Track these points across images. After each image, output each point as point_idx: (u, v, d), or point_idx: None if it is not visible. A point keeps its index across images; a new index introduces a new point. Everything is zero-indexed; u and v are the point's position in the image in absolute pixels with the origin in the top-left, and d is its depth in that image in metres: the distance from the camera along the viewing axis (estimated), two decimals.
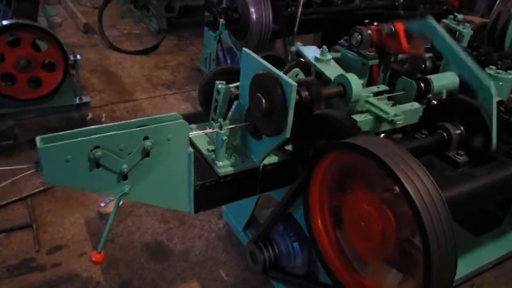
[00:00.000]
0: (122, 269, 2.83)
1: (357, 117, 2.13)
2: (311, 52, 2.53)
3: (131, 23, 7.13)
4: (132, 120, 1.72)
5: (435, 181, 2.14)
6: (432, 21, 2.32)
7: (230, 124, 1.99)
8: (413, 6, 4.95)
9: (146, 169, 1.74)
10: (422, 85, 2.43)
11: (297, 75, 2.29)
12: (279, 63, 2.51)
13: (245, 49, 1.95)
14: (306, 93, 1.86)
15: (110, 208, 3.26)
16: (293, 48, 2.52)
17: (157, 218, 3.26)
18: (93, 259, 1.83)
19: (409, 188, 1.31)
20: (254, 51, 4.15)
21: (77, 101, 3.88)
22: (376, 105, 2.16)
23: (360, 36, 2.58)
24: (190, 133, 2.17)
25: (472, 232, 3.09)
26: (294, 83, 1.68)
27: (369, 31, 2.56)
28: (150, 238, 3.09)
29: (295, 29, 4.34)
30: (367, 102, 2.17)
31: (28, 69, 3.52)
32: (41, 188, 3.38)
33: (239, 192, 2.08)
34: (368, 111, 2.16)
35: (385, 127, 2.19)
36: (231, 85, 2.08)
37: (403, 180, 1.33)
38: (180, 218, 3.26)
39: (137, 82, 5.32)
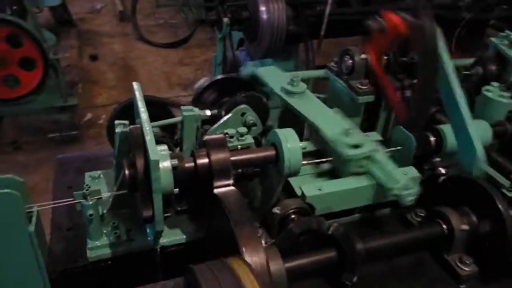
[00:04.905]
0: None
1: (349, 181, 1.43)
2: (275, 76, 1.84)
3: (170, 12, 6.69)
4: None
5: None
6: None
7: (117, 189, 1.41)
8: (482, 5, 3.95)
9: None
10: (432, 139, 1.66)
11: (243, 114, 1.63)
12: (241, 88, 1.86)
13: (134, 83, 1.34)
14: (205, 160, 1.22)
15: None
16: (247, 71, 1.86)
17: None
18: None
19: None
20: (266, 57, 3.50)
21: (61, 103, 3.47)
22: (381, 165, 1.43)
23: (351, 61, 1.85)
24: None
25: None
26: (156, 158, 1.05)
27: (363, 55, 1.81)
28: None
29: (322, 32, 3.62)
30: (369, 157, 1.44)
31: (3, 66, 3.18)
32: None
33: (128, 280, 1.49)
34: (368, 172, 1.45)
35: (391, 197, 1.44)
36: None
37: None
38: None
39: (153, 79, 4.89)
